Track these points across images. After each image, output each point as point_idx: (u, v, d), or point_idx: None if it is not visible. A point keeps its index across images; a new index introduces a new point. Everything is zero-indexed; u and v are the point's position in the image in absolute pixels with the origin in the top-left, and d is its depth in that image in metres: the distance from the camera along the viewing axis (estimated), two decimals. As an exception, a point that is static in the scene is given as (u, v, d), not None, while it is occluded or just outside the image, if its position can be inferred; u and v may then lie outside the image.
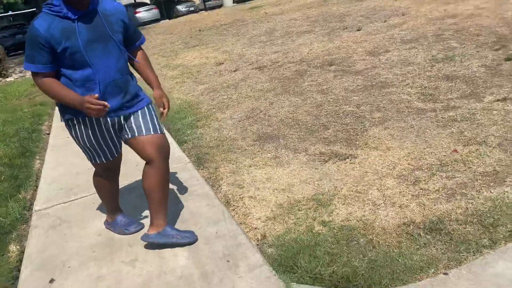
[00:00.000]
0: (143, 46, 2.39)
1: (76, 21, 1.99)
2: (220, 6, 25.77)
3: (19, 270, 2.44)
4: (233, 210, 2.74)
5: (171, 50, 10.08)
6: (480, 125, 3.28)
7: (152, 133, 2.20)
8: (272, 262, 2.13)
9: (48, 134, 5.16)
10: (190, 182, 3.11)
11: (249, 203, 2.78)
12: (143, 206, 2.82)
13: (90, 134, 2.18)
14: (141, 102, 2.27)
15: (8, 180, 3.79)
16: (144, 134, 2.19)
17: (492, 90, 3.92)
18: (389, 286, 1.82)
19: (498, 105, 3.59)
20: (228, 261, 2.14)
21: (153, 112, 2.30)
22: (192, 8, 25.65)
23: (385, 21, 8.01)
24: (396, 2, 9.88)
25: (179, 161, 3.53)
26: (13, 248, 2.74)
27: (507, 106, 3.53)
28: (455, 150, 2.96)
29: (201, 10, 25.98)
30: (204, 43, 10.15)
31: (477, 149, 2.90)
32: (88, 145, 2.22)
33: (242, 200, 2.84)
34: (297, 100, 4.65)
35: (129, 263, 2.27)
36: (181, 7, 25.69)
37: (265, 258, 2.14)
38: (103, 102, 1.96)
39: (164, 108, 2.30)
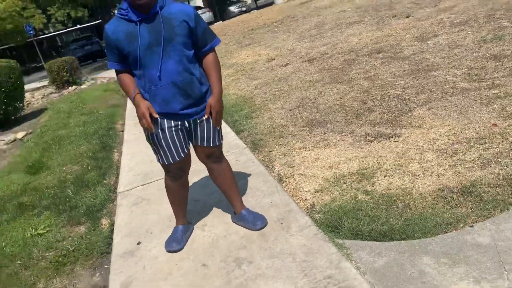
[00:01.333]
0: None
1: (138, 23, 2.10)
2: (271, 3, 26.12)
3: (111, 238, 2.98)
4: (285, 185, 3.10)
5: (226, 51, 10.61)
6: (523, 100, 3.39)
7: (211, 145, 2.40)
8: (319, 224, 2.47)
9: (122, 131, 5.83)
10: (247, 164, 3.52)
11: (299, 179, 3.13)
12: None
13: (160, 133, 2.28)
14: (204, 110, 2.33)
15: (94, 170, 4.43)
16: (205, 145, 2.39)
17: (540, 66, 3.96)
18: (421, 238, 2.10)
19: (544, 80, 3.65)
20: (281, 223, 2.51)
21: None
22: (244, 8, 26.24)
23: (435, 6, 7.97)
24: (449, -15, 9.70)
25: (237, 147, 3.95)
26: (104, 221, 3.30)
27: (553, 80, 3.58)
28: (495, 124, 3.11)
29: (252, 9, 26.50)
30: (256, 42, 10.58)
31: (516, 122, 3.04)
32: (157, 143, 2.31)
33: (293, 177, 3.20)
34: (344, 88, 4.92)
35: (199, 227, 2.71)
36: (233, 8, 26.38)
37: (312, 221, 2.49)
38: (150, 125, 2.17)
39: (211, 116, 2.34)
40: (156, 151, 2.38)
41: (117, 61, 2.22)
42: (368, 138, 3.53)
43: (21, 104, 9.05)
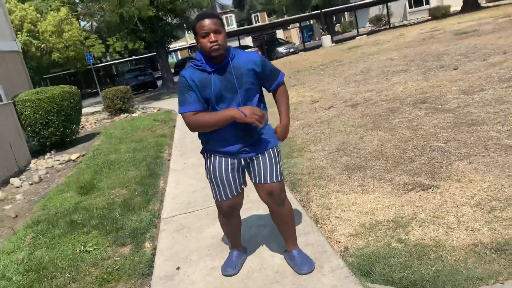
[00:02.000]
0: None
1: (212, 73, 2.34)
2: (319, 46, 26.74)
3: (153, 261, 3.17)
4: (321, 226, 3.21)
5: (271, 89, 10.96)
6: None
7: (269, 181, 2.45)
8: (351, 267, 2.56)
9: (169, 160, 6.15)
10: (285, 202, 3.66)
11: (335, 222, 3.23)
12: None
13: (220, 169, 2.46)
14: (267, 144, 2.48)
15: (141, 195, 4.71)
16: (262, 182, 2.46)
17: None
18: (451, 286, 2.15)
19: None
20: (314, 263, 2.61)
21: (274, 157, 2.50)
22: (291, 50, 27.00)
23: (484, 60, 7.98)
24: (500, 40, 9.70)
25: (276, 185, 4.11)
26: (147, 245, 3.51)
27: None
28: (536, 184, 3.11)
29: (300, 51, 27.21)
30: (301, 83, 10.88)
31: (558, 184, 3.03)
32: (217, 178, 2.47)
33: (329, 219, 3.30)
34: (386, 135, 5.01)
35: (236, 259, 2.85)
36: (281, 49, 27.21)
37: (345, 263, 2.57)
38: (263, 113, 2.30)
39: (278, 135, 2.54)
40: (213, 187, 2.54)
41: (193, 102, 2.33)
42: (406, 187, 3.60)
43: (77, 128, 9.71)
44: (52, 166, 7.51)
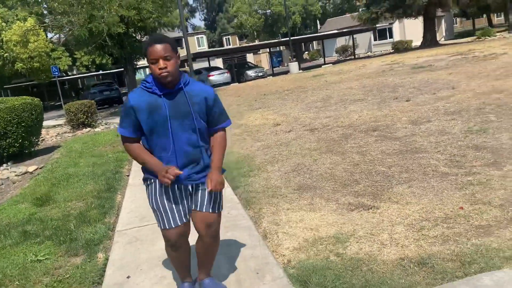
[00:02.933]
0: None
1: (162, 96, 2.29)
2: (287, 72, 27.46)
3: (104, 270, 3.26)
4: (268, 241, 3.40)
5: (237, 111, 11.24)
6: (491, 189, 3.73)
7: (210, 211, 2.42)
8: (291, 278, 2.76)
9: (128, 175, 6.22)
10: (237, 217, 3.85)
11: (282, 237, 3.44)
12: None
13: (163, 196, 2.38)
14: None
15: (97, 208, 4.77)
16: (203, 210, 2.41)
17: (513, 160, 4.35)
18: (375, 298, 2.38)
19: (514, 173, 4.02)
20: (257, 273, 2.80)
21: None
22: (260, 74, 27.59)
23: (434, 93, 8.57)
24: (450, 76, 10.42)
25: (231, 201, 4.30)
26: (100, 255, 3.58)
27: (522, 174, 3.95)
28: (461, 208, 3.45)
29: (269, 75, 27.84)
30: (266, 106, 11.22)
31: (480, 208, 3.38)
32: (159, 205, 2.39)
33: (276, 234, 3.51)
34: (337, 159, 5.32)
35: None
36: (250, 72, 27.76)
37: (286, 274, 2.77)
38: (178, 172, 2.24)
39: (211, 188, 2.35)
40: (157, 215, 2.43)
41: (132, 129, 2.33)
42: (350, 207, 3.87)
43: (37, 140, 9.56)
44: (8, 177, 7.38)
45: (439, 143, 5.32)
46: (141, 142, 2.42)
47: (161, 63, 2.20)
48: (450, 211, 3.43)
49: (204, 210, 2.41)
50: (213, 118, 2.42)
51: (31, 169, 7.70)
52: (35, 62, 27.55)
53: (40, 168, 7.77)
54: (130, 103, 2.30)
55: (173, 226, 2.39)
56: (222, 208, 2.52)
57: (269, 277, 2.74)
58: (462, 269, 2.55)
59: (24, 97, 9.11)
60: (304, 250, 3.16)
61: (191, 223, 2.49)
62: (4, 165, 8.47)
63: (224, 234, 3.50)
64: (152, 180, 2.40)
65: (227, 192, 4.63)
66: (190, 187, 2.41)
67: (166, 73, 2.21)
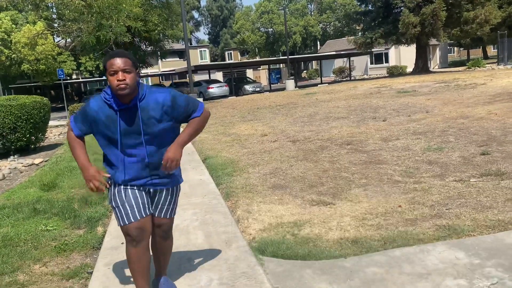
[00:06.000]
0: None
1: (117, 112, 2.32)
2: (283, 89, 28.40)
3: (103, 239, 3.97)
4: (240, 224, 4.13)
5: (229, 122, 12.02)
6: (429, 194, 4.49)
7: (162, 216, 2.58)
8: (252, 247, 3.48)
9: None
10: (217, 205, 4.58)
11: (251, 222, 4.17)
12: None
13: (122, 193, 2.41)
14: (173, 181, 2.56)
15: (97, 194, 5.48)
16: (155, 215, 2.56)
17: (456, 174, 5.11)
18: (312, 260, 3.11)
19: (452, 183, 4.78)
20: (226, 243, 3.53)
21: (175, 195, 2.62)
22: (257, 89, 28.52)
23: (409, 116, 9.38)
24: (428, 101, 11.27)
25: (213, 193, 5.04)
26: (99, 229, 4.30)
27: (458, 184, 4.72)
28: (400, 206, 4.20)
29: (266, 91, 28.76)
30: (257, 119, 12.01)
31: (414, 207, 4.13)
32: (118, 202, 2.40)
33: (247, 219, 4.24)
34: (310, 165, 6.08)
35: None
36: (248, 87, 28.70)
37: (248, 245, 3.50)
38: (105, 183, 2.37)
39: (165, 163, 2.39)
40: (117, 213, 2.41)
41: (83, 130, 2.43)
42: (312, 202, 4.61)
43: (43, 136, 10.30)
44: (16, 167, 8.09)
45: (399, 157, 6.09)
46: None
47: (120, 75, 2.23)
48: (391, 208, 4.17)
49: (158, 215, 2.57)
50: (183, 114, 2.44)
51: (37, 161, 8.42)
52: (41, 64, 28.42)
53: (45, 161, 8.49)
54: (91, 108, 2.36)
55: (133, 221, 2.37)
56: (175, 214, 2.67)
57: (235, 245, 3.47)
58: (384, 246, 3.29)
59: (34, 96, 9.88)
60: (267, 231, 3.89)
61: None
62: (11, 157, 9.19)
63: (203, 216, 4.25)
64: (112, 180, 2.47)
65: (212, 186, 5.37)
66: (151, 190, 2.51)
67: (124, 85, 2.23)
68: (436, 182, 4.88)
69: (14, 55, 28.12)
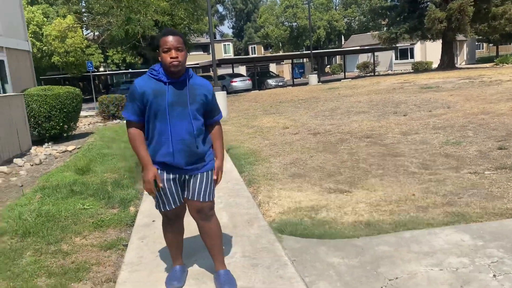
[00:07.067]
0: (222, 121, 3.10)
1: (167, 84, 2.47)
2: (306, 83, 28.49)
3: (135, 218, 4.34)
4: (261, 207, 4.43)
5: (252, 115, 12.32)
6: (443, 185, 4.68)
7: (201, 200, 2.62)
8: (272, 227, 3.77)
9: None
10: (240, 190, 4.89)
11: (272, 206, 4.46)
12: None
13: (164, 180, 2.57)
14: (205, 166, 2.63)
15: (129, 178, 5.88)
16: (195, 199, 2.61)
17: (471, 167, 5.27)
18: (327, 239, 3.39)
19: (467, 175, 4.95)
20: (248, 223, 3.83)
21: (210, 179, 2.66)
22: (280, 83, 28.71)
23: (430, 111, 9.47)
24: (450, 97, 11.29)
25: (236, 180, 5.35)
26: (132, 209, 4.67)
27: (472, 176, 4.89)
28: (413, 194, 4.41)
29: (288, 85, 28.91)
30: (279, 112, 12.27)
31: (427, 195, 4.34)
32: (156, 193, 2.58)
33: (268, 204, 4.53)
34: (329, 156, 6.32)
35: (195, 217, 4.05)
36: (271, 81, 28.91)
37: (268, 225, 3.79)
38: (159, 185, 2.50)
39: (216, 178, 2.68)
40: (156, 200, 2.66)
41: (136, 113, 2.51)
42: (329, 190, 4.87)
43: (75, 125, 10.83)
44: (51, 153, 8.60)
45: (417, 150, 6.27)
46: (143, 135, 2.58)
47: (173, 52, 2.40)
48: (404, 197, 4.39)
49: (197, 200, 2.62)
50: (210, 111, 2.65)
51: (70, 148, 8.92)
52: (71, 56, 29.35)
53: (78, 148, 8.98)
54: (137, 88, 2.48)
55: (168, 209, 2.67)
56: (214, 197, 2.71)
57: (256, 225, 3.77)
58: (395, 229, 3.53)
59: (68, 86, 10.39)
60: (286, 214, 4.18)
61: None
62: (46, 144, 9.73)
63: (227, 200, 4.56)
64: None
65: (235, 174, 5.68)
66: (183, 176, 2.61)
67: (177, 62, 2.41)
68: (451, 174, 5.05)
69: (45, 47, 29.11)
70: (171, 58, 2.40)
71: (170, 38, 2.41)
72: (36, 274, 3.18)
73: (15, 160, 7.83)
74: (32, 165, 7.61)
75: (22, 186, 6.20)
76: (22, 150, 8.60)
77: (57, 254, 3.53)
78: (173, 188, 2.59)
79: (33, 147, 9.09)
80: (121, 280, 2.92)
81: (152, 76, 2.51)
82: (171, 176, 2.57)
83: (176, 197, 2.63)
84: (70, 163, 7.24)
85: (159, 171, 2.54)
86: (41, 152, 8.70)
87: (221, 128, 2.77)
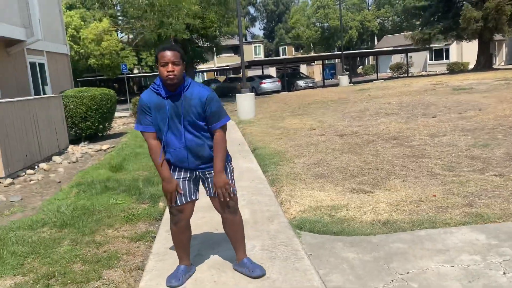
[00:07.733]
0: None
1: (166, 99, 2.63)
2: (337, 85, 28.34)
3: (163, 212, 4.58)
4: (283, 205, 4.58)
5: (279, 116, 12.46)
6: (466, 186, 4.68)
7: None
8: (292, 224, 3.92)
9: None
10: (262, 189, 5.06)
11: (293, 204, 4.60)
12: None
13: (175, 177, 2.77)
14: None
15: (158, 177, 6.15)
16: (213, 195, 2.82)
17: (497, 169, 5.23)
18: (344, 236, 3.50)
19: (491, 177, 4.93)
20: (269, 219, 3.99)
21: (228, 174, 2.80)
22: (310, 84, 28.68)
23: (460, 113, 9.34)
24: (483, 99, 11.06)
25: (260, 179, 5.52)
26: (161, 204, 4.92)
27: (497, 178, 4.86)
28: (434, 195, 4.45)
29: (318, 86, 28.86)
30: (307, 114, 12.36)
31: (448, 197, 4.37)
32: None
33: (290, 202, 4.67)
34: (354, 158, 6.39)
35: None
36: (301, 82, 28.93)
37: (288, 221, 3.94)
38: (176, 197, 2.72)
39: (220, 192, 2.73)
40: (165, 195, 2.82)
41: (147, 123, 2.68)
42: (352, 190, 4.96)
43: (109, 125, 11.31)
44: (86, 152, 9.05)
45: (442, 152, 6.25)
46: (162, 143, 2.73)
47: (170, 66, 2.54)
48: (425, 197, 4.44)
49: (217, 196, 2.78)
50: (209, 117, 2.69)
51: (104, 147, 9.35)
52: (106, 59, 30.32)
53: (112, 147, 9.40)
54: (144, 101, 2.68)
55: (174, 205, 2.81)
56: (235, 190, 2.84)
57: (276, 221, 3.92)
58: (412, 228, 3.61)
59: (103, 88, 10.88)
60: (307, 212, 4.31)
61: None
62: (82, 143, 10.22)
63: (250, 197, 4.74)
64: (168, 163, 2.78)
65: (259, 173, 5.86)
66: (195, 173, 2.79)
67: (172, 76, 2.55)
68: (475, 176, 5.04)
69: (82, 50, 30.22)
70: (167, 72, 2.55)
71: (168, 53, 2.56)
72: (72, 261, 3.46)
73: (53, 157, 8.30)
74: (69, 163, 8.05)
75: (60, 182, 6.60)
76: (60, 149, 9.09)
77: (91, 244, 3.81)
78: (182, 185, 2.77)
79: (70, 146, 9.58)
80: (149, 268, 3.15)
81: (154, 90, 2.68)
82: (182, 174, 2.78)
83: (187, 193, 2.79)
84: (105, 161, 7.62)
85: (175, 174, 2.76)
86: (77, 150, 9.16)
87: (222, 136, 2.75)
